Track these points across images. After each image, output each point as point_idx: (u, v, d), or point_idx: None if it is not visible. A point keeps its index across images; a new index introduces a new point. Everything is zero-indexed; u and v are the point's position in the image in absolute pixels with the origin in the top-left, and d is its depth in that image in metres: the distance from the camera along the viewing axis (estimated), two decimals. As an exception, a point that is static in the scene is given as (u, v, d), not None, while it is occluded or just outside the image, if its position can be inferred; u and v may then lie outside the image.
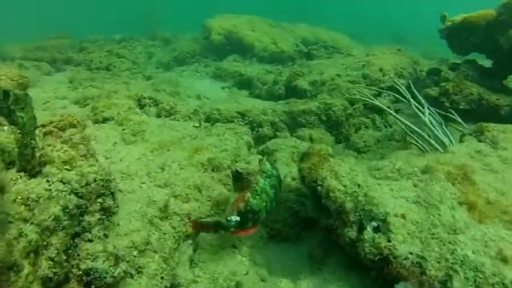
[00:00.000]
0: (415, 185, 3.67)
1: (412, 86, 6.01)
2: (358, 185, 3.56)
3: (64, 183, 3.45)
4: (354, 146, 6.42)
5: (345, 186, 3.56)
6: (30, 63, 11.85)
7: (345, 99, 6.93)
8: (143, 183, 4.54)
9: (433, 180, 3.66)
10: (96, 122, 6.62)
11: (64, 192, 3.37)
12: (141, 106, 7.42)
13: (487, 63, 7.67)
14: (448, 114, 5.92)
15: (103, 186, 3.59)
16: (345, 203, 3.47)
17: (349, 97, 6.80)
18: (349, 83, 7.22)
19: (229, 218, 3.49)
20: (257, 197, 3.64)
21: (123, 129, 6.14)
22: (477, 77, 6.96)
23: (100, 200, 3.57)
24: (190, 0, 39.70)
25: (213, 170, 4.94)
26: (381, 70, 7.43)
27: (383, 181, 3.73)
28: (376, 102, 5.82)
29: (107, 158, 5.03)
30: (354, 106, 6.82)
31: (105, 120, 6.61)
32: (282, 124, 6.73)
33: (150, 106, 7.40)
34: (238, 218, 3.49)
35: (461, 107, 6.47)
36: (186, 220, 4.32)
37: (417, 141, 5.50)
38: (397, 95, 6.05)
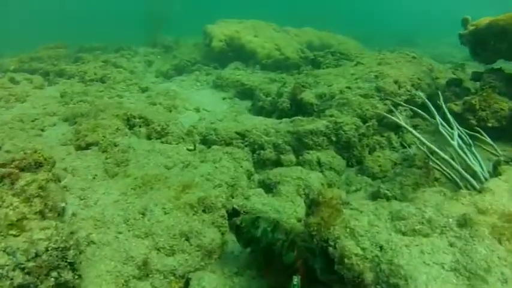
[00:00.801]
0: (451, 245, 2.89)
1: (441, 99, 5.18)
2: (381, 247, 2.79)
3: (8, 255, 2.73)
4: (368, 170, 5.63)
5: (363, 249, 2.80)
6: (22, 76, 11.17)
7: (357, 116, 6.14)
8: (120, 232, 3.80)
9: (475, 237, 2.88)
10: (78, 148, 5.91)
11: (7, 268, 2.66)
12: (131, 126, 6.69)
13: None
14: (474, 133, 5.11)
15: (58, 256, 2.84)
16: (364, 273, 2.71)
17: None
18: (361, 97, 6.43)
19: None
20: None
21: (107, 158, 5.42)
22: (504, 89, 6.11)
23: (54, 274, 2.82)
24: (194, 4, 38.69)
25: (204, 211, 4.18)
26: (396, 82, 6.61)
27: (411, 238, 2.95)
28: (400, 121, 5.03)
29: (81, 199, 4.31)
30: (367, 124, 6.03)
31: (88, 146, 5.90)
32: (287, 146, 5.97)
33: (140, 126, 6.67)
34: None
35: (490, 124, 5.66)
36: (171, 278, 3.58)
37: (442, 168, 4.71)
38: (420, 112, 5.24)
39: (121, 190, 4.38)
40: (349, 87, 6.77)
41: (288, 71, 11.04)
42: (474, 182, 4.13)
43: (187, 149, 6.29)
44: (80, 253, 3.60)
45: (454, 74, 10.00)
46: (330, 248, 2.89)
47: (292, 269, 3.31)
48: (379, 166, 5.57)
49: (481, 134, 5.11)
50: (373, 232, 2.91)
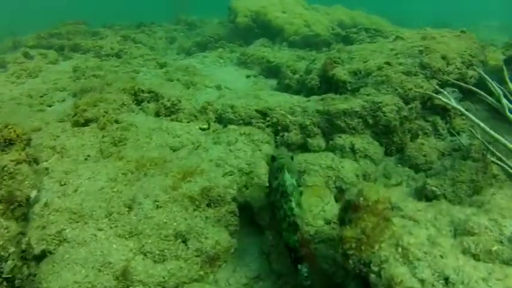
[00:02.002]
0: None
1: (505, 74, 4.11)
2: (446, 280, 1.85)
3: None
4: (410, 160, 4.63)
5: (421, 281, 1.85)
6: (37, 51, 10.48)
7: (398, 96, 5.12)
8: (99, 230, 2.96)
9: None
10: (76, 124, 5.10)
11: None
12: (138, 102, 5.85)
13: None
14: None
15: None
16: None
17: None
18: (403, 74, 5.38)
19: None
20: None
21: (103, 136, 4.59)
22: None
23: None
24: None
25: (208, 205, 3.30)
26: (444, 58, 5.52)
27: (488, 266, 2.00)
28: (451, 103, 4.01)
29: (61, 185, 3.47)
30: (410, 106, 5.00)
31: (87, 122, 5.09)
32: (315, 128, 5.01)
33: (148, 102, 5.82)
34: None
35: None
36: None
37: (505, 163, 3.70)
38: (479, 91, 4.19)
39: (109, 175, 3.53)
40: (388, 63, 5.71)
41: (317, 49, 9.99)
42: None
43: (200, 128, 5.43)
44: (46, 255, 2.79)
45: (504, 55, 8.79)
46: (373, 276, 1.96)
47: (296, 253, 2.73)
48: (424, 156, 4.56)
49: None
50: (435, 255, 1.96)
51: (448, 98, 4.29)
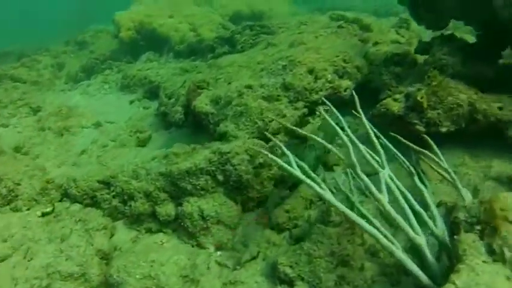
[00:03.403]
0: None
1: (357, 104, 3.22)
2: None
3: None
4: (271, 219, 3.74)
5: None
6: None
7: (258, 130, 4.22)
8: None
9: None
10: None
11: None
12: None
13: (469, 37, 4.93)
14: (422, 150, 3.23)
15: None
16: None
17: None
18: (264, 101, 4.47)
19: None
20: None
21: None
22: (460, 65, 4.16)
23: None
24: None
25: None
26: (311, 72, 4.61)
27: None
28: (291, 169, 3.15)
29: None
30: (270, 144, 4.10)
31: None
32: (161, 193, 4.05)
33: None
34: None
35: (444, 129, 3.76)
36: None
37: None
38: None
39: None
40: (249, 87, 4.79)
41: (203, 56, 8.94)
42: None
43: (43, 214, 4.39)
44: None
45: (398, 34, 8.02)
46: None
47: None
48: (287, 212, 3.67)
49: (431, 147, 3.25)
50: None
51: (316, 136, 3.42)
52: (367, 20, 8.97)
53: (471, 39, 4.65)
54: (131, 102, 8.46)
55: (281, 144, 3.28)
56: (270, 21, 8.64)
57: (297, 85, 4.45)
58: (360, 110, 3.27)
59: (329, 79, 4.60)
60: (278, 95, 4.48)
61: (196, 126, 5.46)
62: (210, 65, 6.46)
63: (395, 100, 4.04)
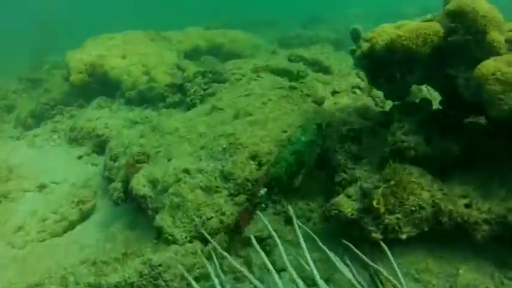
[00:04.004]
0: None
1: (291, 212, 2.78)
2: None
3: None
4: None
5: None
6: None
7: (195, 230, 3.74)
8: None
9: None
10: None
11: None
12: None
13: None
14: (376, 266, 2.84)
15: None
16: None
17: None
18: (202, 191, 4.00)
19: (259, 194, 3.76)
20: (276, 165, 3.92)
21: None
22: (423, 144, 3.71)
23: None
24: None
25: None
26: (254, 157, 4.15)
27: None
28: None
29: None
30: (208, 247, 3.62)
31: None
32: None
33: None
34: (265, 189, 3.86)
35: (404, 236, 3.35)
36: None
37: None
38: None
39: None
40: (187, 171, 4.31)
41: (153, 105, 8.39)
42: None
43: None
44: None
45: (359, 77, 7.69)
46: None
47: None
48: None
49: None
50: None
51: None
52: (326, 61, 8.67)
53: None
54: (79, 157, 7.87)
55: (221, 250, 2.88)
56: (223, 67, 8.17)
57: (238, 175, 3.98)
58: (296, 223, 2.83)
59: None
60: (217, 186, 4.01)
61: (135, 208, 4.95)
62: (154, 127, 5.94)
63: (348, 197, 3.61)
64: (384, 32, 3.99)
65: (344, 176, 4.07)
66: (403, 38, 3.73)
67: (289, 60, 8.72)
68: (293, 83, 5.41)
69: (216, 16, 18.92)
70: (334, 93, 6.39)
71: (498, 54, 3.40)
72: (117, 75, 9.55)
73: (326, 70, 8.28)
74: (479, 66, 3.25)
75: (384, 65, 4.07)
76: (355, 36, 4.36)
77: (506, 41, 3.52)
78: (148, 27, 12.68)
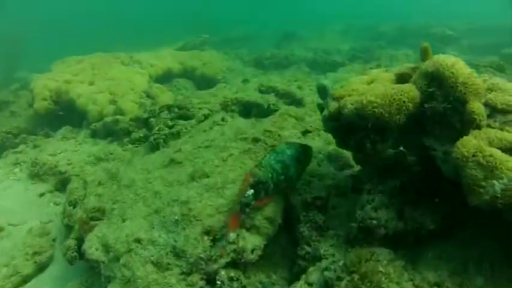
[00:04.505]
0: None
1: None
2: None
3: None
4: None
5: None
6: None
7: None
8: None
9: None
10: None
11: None
12: None
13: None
14: None
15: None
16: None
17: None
18: (153, 267, 3.68)
19: (246, 195, 3.65)
20: (262, 169, 3.79)
21: None
22: (395, 219, 3.35)
23: None
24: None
25: None
26: (208, 232, 3.72)
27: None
28: None
29: None
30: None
31: None
32: None
33: None
34: (252, 191, 3.66)
35: None
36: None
37: None
38: None
39: None
40: (139, 241, 4.01)
41: (119, 140, 8.04)
42: None
43: None
44: None
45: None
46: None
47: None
48: None
49: None
50: None
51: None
52: (298, 93, 8.45)
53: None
54: (41, 195, 7.46)
55: None
56: (191, 101, 7.87)
57: (190, 253, 3.69)
58: None
59: (230, 239, 3.84)
60: (168, 263, 3.72)
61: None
62: (113, 175, 5.63)
63: (309, 285, 3.35)
64: (354, 91, 3.60)
65: (307, 249, 3.81)
66: (374, 104, 3.26)
67: (260, 91, 8.49)
68: (257, 134, 5.14)
69: (195, 32, 18.59)
70: (305, 132, 6.13)
71: (478, 126, 3.09)
72: (83, 103, 9.17)
73: (299, 102, 8.06)
74: (458, 144, 2.91)
75: (353, 130, 3.58)
76: (322, 93, 4.09)
77: (486, 105, 3.23)
78: (125, 43, 12.39)
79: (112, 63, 11.37)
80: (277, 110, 7.39)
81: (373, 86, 3.57)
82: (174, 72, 11.78)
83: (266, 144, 5.01)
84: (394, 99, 3.23)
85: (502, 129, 3.03)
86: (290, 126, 6.44)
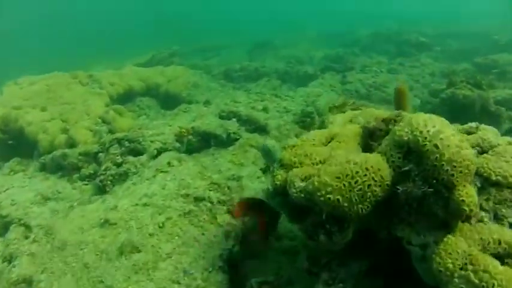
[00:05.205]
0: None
1: None
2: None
3: None
4: None
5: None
6: None
7: None
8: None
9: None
10: None
11: None
12: None
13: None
14: None
15: None
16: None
17: None
18: None
19: None
20: None
21: None
22: None
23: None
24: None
25: None
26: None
27: None
28: None
29: None
30: None
31: None
32: None
33: None
34: None
35: None
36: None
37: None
38: None
39: None
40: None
41: (69, 174, 7.32)
42: None
43: None
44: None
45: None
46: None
47: None
48: None
49: None
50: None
51: None
52: (262, 118, 7.86)
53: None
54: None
55: None
56: (142, 133, 7.20)
57: None
58: None
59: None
60: None
61: None
62: (47, 231, 4.99)
63: None
64: (307, 157, 2.91)
65: None
66: (328, 189, 2.48)
67: (221, 117, 7.87)
68: (201, 190, 4.52)
69: (164, 43, 17.89)
70: (266, 170, 5.55)
71: (468, 218, 2.37)
72: (33, 132, 8.42)
73: (262, 129, 7.49)
74: (441, 250, 2.22)
75: (304, 213, 2.86)
76: (266, 155, 3.47)
77: (476, 173, 2.51)
78: (92, 56, 11.65)
79: (69, 83, 10.58)
80: (238, 139, 6.85)
81: (331, 153, 2.89)
82: (136, 90, 11.07)
83: (211, 203, 4.40)
84: (356, 182, 2.45)
85: (498, 220, 2.40)
86: (250, 162, 5.92)
